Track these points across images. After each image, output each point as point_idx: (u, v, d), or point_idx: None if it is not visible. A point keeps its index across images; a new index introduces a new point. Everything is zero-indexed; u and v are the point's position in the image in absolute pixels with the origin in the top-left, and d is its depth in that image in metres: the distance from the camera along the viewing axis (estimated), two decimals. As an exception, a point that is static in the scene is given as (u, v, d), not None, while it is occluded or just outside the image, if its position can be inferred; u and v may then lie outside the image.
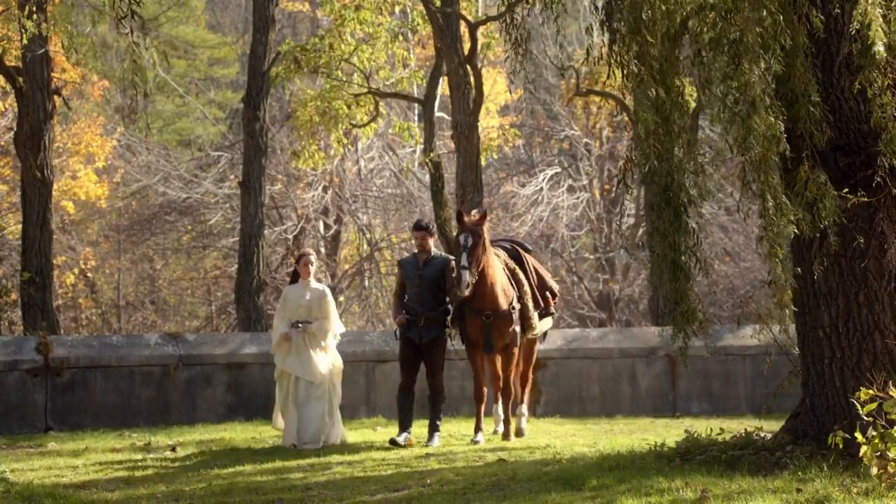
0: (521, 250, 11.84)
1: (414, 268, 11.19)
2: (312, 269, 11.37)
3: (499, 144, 22.72)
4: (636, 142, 8.61)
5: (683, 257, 8.50)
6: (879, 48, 7.43)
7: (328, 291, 11.52)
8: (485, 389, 11.33)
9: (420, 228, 11.43)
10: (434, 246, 11.45)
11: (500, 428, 11.60)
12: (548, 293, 11.85)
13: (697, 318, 8.59)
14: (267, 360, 13.05)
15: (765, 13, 7.63)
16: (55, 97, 18.31)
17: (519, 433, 11.73)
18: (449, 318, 11.25)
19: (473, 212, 11.20)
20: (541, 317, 11.70)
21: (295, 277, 11.52)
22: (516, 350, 11.35)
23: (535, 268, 11.82)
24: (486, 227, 10.88)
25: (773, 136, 7.76)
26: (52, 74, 18.47)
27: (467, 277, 10.56)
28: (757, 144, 7.72)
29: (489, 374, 11.50)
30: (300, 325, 11.21)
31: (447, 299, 11.17)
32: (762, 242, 8.01)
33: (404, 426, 11.11)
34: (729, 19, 7.70)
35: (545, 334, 12.40)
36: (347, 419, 13.91)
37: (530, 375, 12.22)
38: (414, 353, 11.12)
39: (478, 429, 11.29)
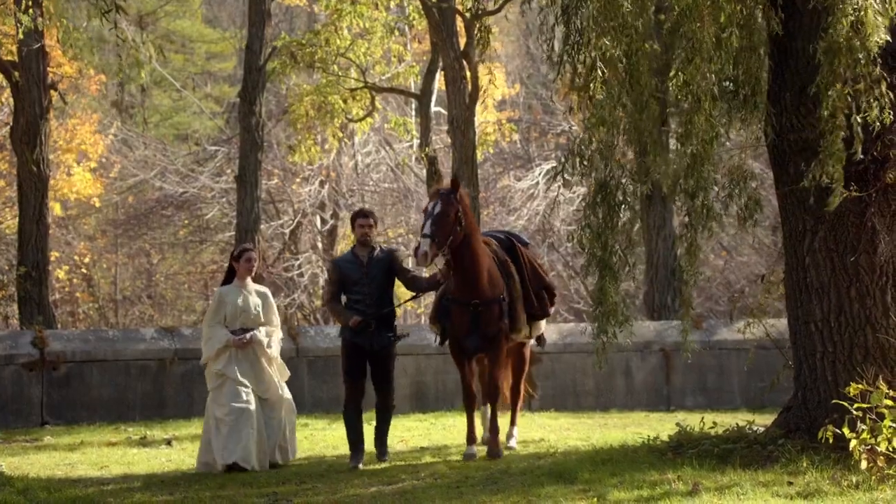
0: (516, 243, 10.53)
1: (357, 267, 9.73)
2: (255, 267, 9.85)
3: (495, 139, 22.73)
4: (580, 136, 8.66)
5: (613, 257, 8.50)
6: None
7: (269, 293, 10.05)
8: (475, 391, 10.07)
9: (365, 216, 9.95)
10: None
11: (488, 435, 10.18)
12: (544, 292, 10.47)
13: (619, 318, 8.61)
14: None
15: (723, 13, 7.71)
16: (51, 92, 18.32)
17: (508, 447, 10.47)
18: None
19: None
20: (533, 318, 10.26)
21: (230, 276, 9.85)
22: (503, 348, 9.99)
23: (530, 263, 10.49)
24: (463, 196, 9.53)
25: (715, 135, 7.84)
26: (49, 69, 18.48)
27: (426, 246, 9.11)
28: (696, 141, 7.81)
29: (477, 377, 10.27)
30: (245, 333, 9.60)
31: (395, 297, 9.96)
32: (680, 240, 8.18)
33: (359, 448, 9.78)
34: (688, 16, 7.77)
35: (541, 338, 11.03)
36: (343, 414, 13.95)
37: (522, 388, 10.94)
38: (363, 361, 9.74)
39: (471, 439, 9.94)
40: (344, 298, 9.82)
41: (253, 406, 9.52)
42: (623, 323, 8.69)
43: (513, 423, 10.78)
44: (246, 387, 9.54)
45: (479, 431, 10.38)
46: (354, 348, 9.73)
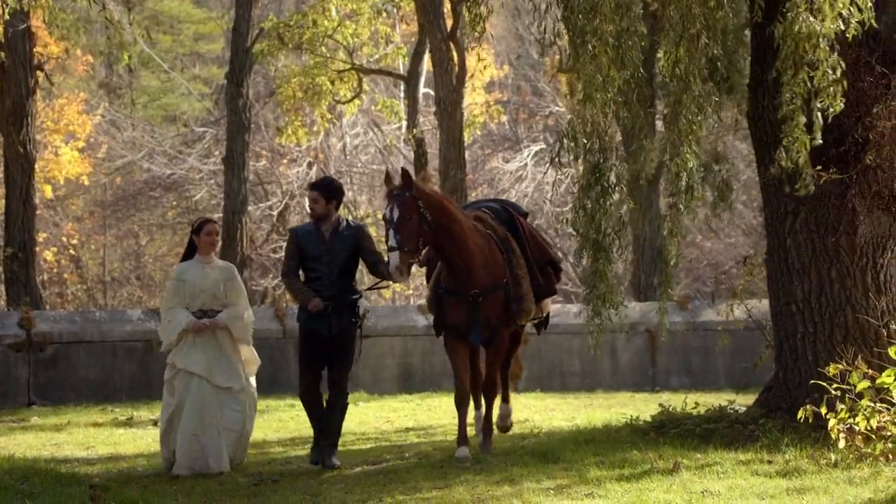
0: (514, 213, 9.41)
1: (317, 241, 8.59)
2: (218, 241, 8.84)
3: (484, 121, 22.73)
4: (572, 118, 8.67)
5: (607, 239, 8.47)
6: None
7: (235, 270, 8.86)
8: (469, 391, 8.95)
9: (313, 188, 8.79)
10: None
11: (480, 435, 9.30)
12: (549, 268, 9.45)
13: (614, 300, 8.63)
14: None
15: None
16: (37, 73, 18.28)
17: (504, 430, 9.90)
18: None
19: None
20: (540, 297, 9.29)
21: (191, 252, 8.66)
22: (504, 343, 9.14)
23: (532, 235, 9.45)
24: (421, 188, 8.44)
25: (703, 118, 7.87)
26: (35, 50, 18.44)
27: (396, 260, 8.16)
28: (684, 120, 7.85)
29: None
30: (206, 314, 8.48)
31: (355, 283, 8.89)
32: (668, 221, 8.24)
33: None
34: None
35: (547, 319, 10.07)
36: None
37: (512, 365, 10.26)
38: (321, 348, 8.59)
39: (462, 440, 8.76)
40: (301, 275, 8.73)
41: (207, 401, 8.34)
42: (618, 305, 8.71)
43: (505, 399, 9.90)
44: (200, 378, 8.35)
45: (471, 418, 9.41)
46: (311, 335, 8.60)
